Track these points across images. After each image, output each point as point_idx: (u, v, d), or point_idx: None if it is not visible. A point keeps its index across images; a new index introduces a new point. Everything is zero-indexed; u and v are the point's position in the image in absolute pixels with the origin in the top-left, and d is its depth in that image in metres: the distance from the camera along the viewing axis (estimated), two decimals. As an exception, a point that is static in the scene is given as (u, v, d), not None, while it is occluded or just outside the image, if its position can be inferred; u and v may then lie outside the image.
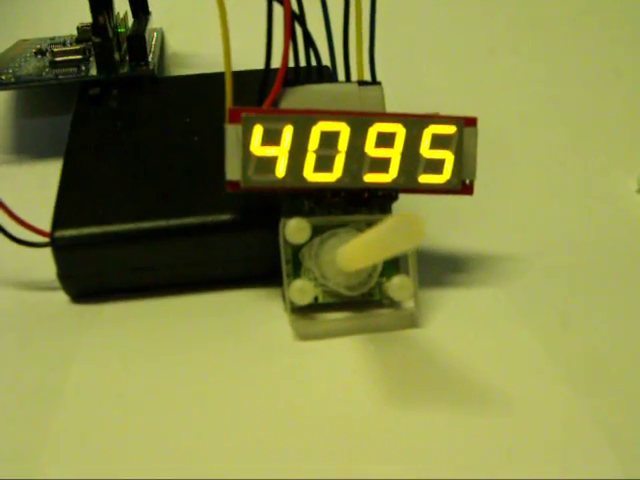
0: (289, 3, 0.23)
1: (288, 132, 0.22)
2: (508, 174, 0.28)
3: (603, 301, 0.24)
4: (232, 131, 0.22)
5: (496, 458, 0.19)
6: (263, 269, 0.24)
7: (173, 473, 0.18)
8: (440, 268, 0.25)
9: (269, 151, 0.22)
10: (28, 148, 0.31)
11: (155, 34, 0.35)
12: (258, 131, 0.22)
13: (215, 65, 0.34)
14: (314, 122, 0.22)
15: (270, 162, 0.22)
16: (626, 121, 0.33)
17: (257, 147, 0.22)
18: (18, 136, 0.32)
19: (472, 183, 0.24)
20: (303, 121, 0.22)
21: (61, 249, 0.24)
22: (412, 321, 0.23)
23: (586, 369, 0.21)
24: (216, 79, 0.29)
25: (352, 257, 0.21)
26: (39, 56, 0.33)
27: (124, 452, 0.19)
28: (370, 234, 0.18)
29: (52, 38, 0.36)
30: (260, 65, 0.24)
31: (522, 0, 0.40)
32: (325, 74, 0.25)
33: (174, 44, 0.36)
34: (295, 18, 0.23)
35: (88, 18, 0.36)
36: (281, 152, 0.22)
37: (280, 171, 0.22)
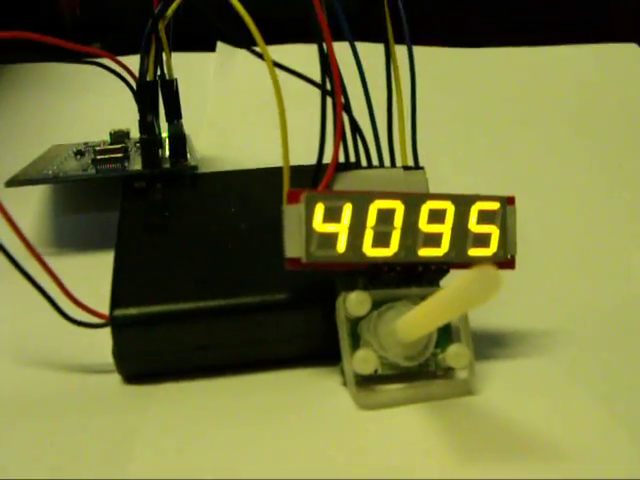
0: (340, 95, 0.25)
1: (348, 210, 0.23)
2: (539, 255, 0.30)
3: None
4: (292, 211, 0.23)
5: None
6: (318, 348, 0.25)
7: None
8: (487, 343, 0.26)
9: (330, 228, 0.23)
10: (70, 242, 0.32)
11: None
12: (320, 209, 0.23)
13: (241, 166, 0.37)
14: (371, 200, 0.23)
15: (331, 238, 0.23)
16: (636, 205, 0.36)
17: (319, 224, 0.23)
18: (59, 231, 0.33)
19: (514, 258, 0.25)
20: (361, 199, 0.23)
21: (120, 327, 0.24)
22: (467, 389, 0.24)
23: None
24: (253, 175, 0.32)
25: (418, 323, 0.22)
26: (78, 157, 0.34)
27: None
28: (443, 293, 0.19)
29: (86, 143, 0.38)
30: (299, 161, 0.26)
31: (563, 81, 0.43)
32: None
33: (201, 149, 0.38)
34: (343, 108, 0.25)
35: (118, 125, 0.38)
36: (341, 229, 0.23)
37: (341, 246, 0.23)
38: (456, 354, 0.23)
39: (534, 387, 0.24)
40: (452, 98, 0.40)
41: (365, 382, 0.23)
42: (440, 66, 0.46)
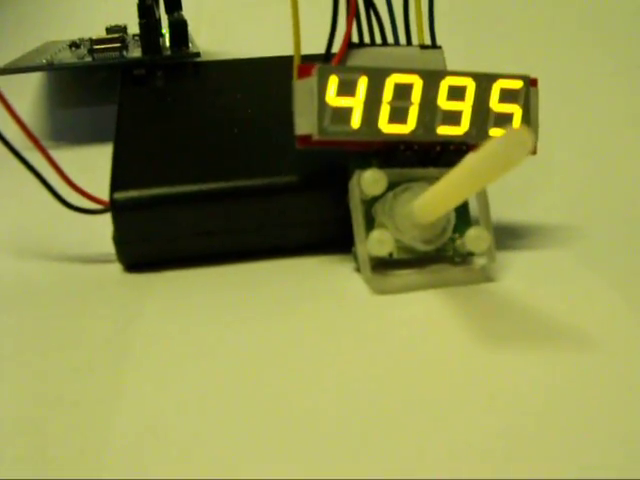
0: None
1: (363, 84, 0.22)
2: (555, 147, 0.29)
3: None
4: (303, 85, 0.22)
5: (582, 397, 0.18)
6: (329, 235, 0.24)
7: (259, 430, 0.17)
8: (503, 234, 0.25)
9: (344, 102, 0.22)
10: (67, 135, 0.31)
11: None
12: (334, 82, 0.22)
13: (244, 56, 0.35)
14: (388, 74, 0.22)
15: (345, 113, 0.22)
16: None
17: (333, 98, 0.22)
18: (57, 124, 0.31)
19: (535, 143, 0.24)
20: (377, 73, 0.22)
21: (121, 211, 0.23)
22: (486, 275, 0.23)
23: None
24: (260, 63, 0.30)
25: (438, 200, 0.20)
26: (73, 48, 0.33)
27: (199, 413, 0.18)
28: (472, 158, 0.18)
29: (80, 39, 0.36)
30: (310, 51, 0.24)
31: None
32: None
33: (201, 44, 0.37)
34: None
35: (114, 21, 0.36)
36: (356, 103, 0.22)
37: (355, 122, 0.22)
38: (476, 237, 0.22)
39: (553, 276, 0.23)
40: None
41: (380, 266, 0.22)
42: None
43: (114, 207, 0.23)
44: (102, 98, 0.31)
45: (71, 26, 0.38)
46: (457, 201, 0.21)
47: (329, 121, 0.22)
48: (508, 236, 0.25)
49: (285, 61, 0.24)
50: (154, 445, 0.16)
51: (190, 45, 0.31)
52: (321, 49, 0.23)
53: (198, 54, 0.30)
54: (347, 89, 0.22)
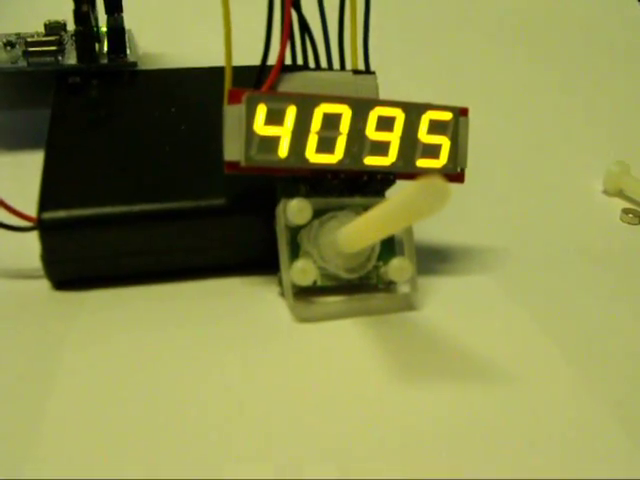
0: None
1: (291, 113, 0.22)
2: (482, 178, 0.29)
3: (583, 284, 0.25)
4: (233, 112, 0.22)
5: (500, 435, 0.19)
6: (254, 256, 0.24)
7: (171, 457, 0.18)
8: (429, 258, 0.26)
9: (272, 131, 0.22)
10: (2, 139, 0.30)
11: (127, 35, 0.35)
12: (262, 110, 0.22)
13: (184, 64, 0.35)
14: (317, 104, 0.22)
15: (273, 142, 0.22)
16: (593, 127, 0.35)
17: (260, 126, 0.22)
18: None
19: (463, 171, 0.24)
20: (307, 102, 0.22)
21: (48, 230, 0.23)
22: (409, 303, 0.23)
23: (579, 340, 0.22)
24: (196, 74, 0.30)
25: (360, 233, 0.21)
26: (8, 48, 0.32)
27: (121, 439, 0.18)
28: (388, 202, 0.18)
29: (17, 34, 0.35)
30: (244, 62, 0.24)
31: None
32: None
33: (144, 45, 0.36)
34: (292, 5, 0.24)
35: (54, 16, 0.35)
36: (284, 132, 0.22)
37: (283, 151, 0.22)
38: (399, 268, 0.23)
39: (474, 304, 0.24)
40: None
41: (303, 294, 0.23)
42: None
43: (42, 227, 0.23)
44: (36, 101, 0.31)
45: (9, 19, 0.37)
46: (378, 237, 0.21)
47: (256, 150, 0.22)
48: (433, 259, 0.26)
49: (223, 72, 0.23)
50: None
51: (128, 52, 0.31)
52: (258, 59, 0.23)
53: (135, 64, 0.30)
54: (275, 118, 0.22)
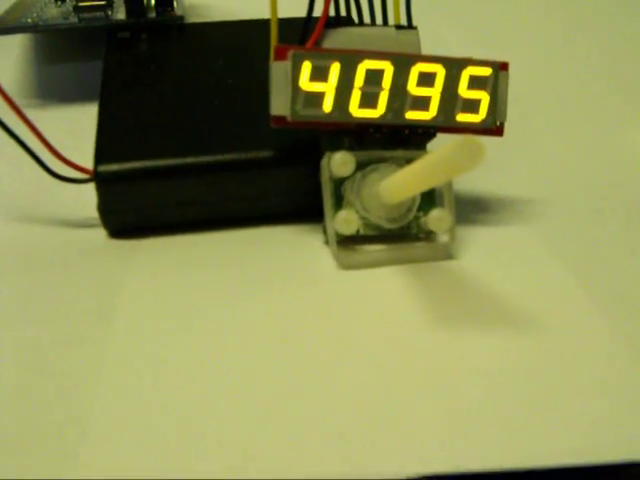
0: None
1: (335, 69, 0.23)
2: (527, 126, 0.30)
3: (622, 238, 0.26)
4: (279, 68, 0.23)
5: (532, 380, 0.20)
6: (302, 206, 0.25)
7: (228, 398, 0.19)
8: (470, 209, 0.26)
9: (317, 87, 0.23)
10: (53, 93, 0.32)
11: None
12: (307, 67, 0.22)
13: (231, 16, 0.35)
14: (360, 60, 0.23)
15: (318, 97, 0.23)
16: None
17: (305, 83, 0.23)
18: (42, 81, 0.32)
19: (503, 125, 0.25)
20: (350, 59, 0.23)
21: (105, 183, 0.24)
22: (448, 252, 0.24)
23: (615, 295, 0.23)
24: (243, 26, 0.31)
25: (400, 186, 0.22)
26: (59, 2, 0.33)
27: (178, 379, 0.19)
28: (427, 158, 0.19)
29: (67, -13, 0.36)
30: (290, 14, 0.25)
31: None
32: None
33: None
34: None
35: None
36: (328, 88, 0.23)
37: (327, 106, 0.23)
38: (438, 218, 0.24)
39: (511, 255, 0.24)
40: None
41: (347, 242, 0.24)
42: None
43: (98, 180, 0.24)
44: (87, 54, 0.32)
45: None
46: (418, 191, 0.22)
47: (302, 105, 0.23)
48: (472, 209, 0.27)
49: (269, 24, 0.24)
50: (135, 419, 0.18)
51: (175, 4, 0.31)
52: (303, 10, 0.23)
53: (182, 17, 0.30)
54: (320, 74, 0.23)
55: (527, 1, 0.40)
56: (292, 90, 0.23)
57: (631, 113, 0.33)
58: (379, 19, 0.25)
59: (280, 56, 0.23)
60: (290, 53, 0.22)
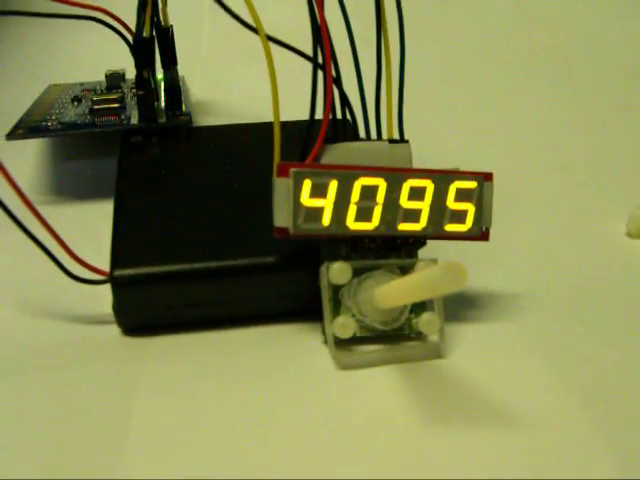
0: (330, 71, 0.26)
1: (333, 186, 0.25)
2: (508, 221, 0.32)
3: (605, 330, 0.27)
4: (282, 184, 0.25)
5: (517, 475, 0.21)
6: (303, 306, 0.27)
7: None
8: (458, 305, 0.28)
9: (317, 202, 0.25)
10: (69, 190, 0.34)
11: (181, 84, 0.38)
12: (307, 185, 0.25)
13: (236, 111, 0.38)
14: (356, 177, 0.25)
15: (317, 212, 0.25)
16: (616, 169, 0.37)
17: (306, 199, 0.25)
18: (58, 178, 0.34)
19: (488, 230, 0.27)
20: (347, 176, 0.25)
21: (120, 286, 0.26)
22: (438, 352, 0.26)
23: (595, 390, 0.24)
24: (247, 130, 0.33)
25: (391, 297, 0.24)
26: (75, 103, 0.35)
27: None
28: (414, 278, 0.21)
29: (82, 84, 0.39)
30: (290, 115, 0.27)
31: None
32: (347, 126, 0.28)
33: (196, 92, 0.39)
34: (334, 82, 0.27)
35: (114, 64, 0.39)
36: (327, 203, 0.25)
37: (326, 220, 0.25)
38: (428, 321, 0.26)
39: (496, 353, 0.26)
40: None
41: (344, 343, 0.26)
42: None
43: (114, 283, 0.26)
44: (102, 151, 0.34)
45: (73, 69, 0.40)
46: (408, 302, 0.24)
47: (303, 220, 0.25)
48: (460, 306, 0.28)
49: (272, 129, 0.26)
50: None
51: (183, 106, 0.34)
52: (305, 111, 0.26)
53: (190, 121, 0.33)
54: (319, 191, 0.25)
55: (505, 86, 0.42)
56: (294, 206, 0.25)
57: (611, 202, 0.35)
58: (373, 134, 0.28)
59: (282, 173, 0.25)
60: (292, 171, 0.25)
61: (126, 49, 0.34)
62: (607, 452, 0.22)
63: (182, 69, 0.39)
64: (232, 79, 0.42)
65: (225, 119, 0.36)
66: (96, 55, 0.40)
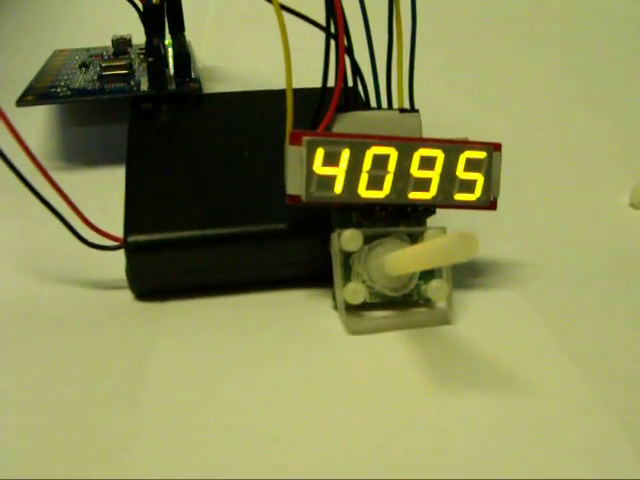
0: (342, 40, 0.26)
1: (345, 155, 0.25)
2: (514, 191, 0.32)
3: (607, 299, 0.28)
4: (294, 152, 0.25)
5: (520, 440, 0.22)
6: (313, 272, 0.28)
7: (245, 459, 0.21)
8: (465, 273, 0.29)
9: (329, 170, 0.25)
10: (79, 156, 0.34)
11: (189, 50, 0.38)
12: (320, 153, 0.25)
13: (243, 78, 0.38)
14: (368, 146, 0.25)
15: (329, 180, 0.25)
16: (620, 140, 0.38)
17: (319, 167, 0.25)
18: (68, 144, 0.34)
19: (496, 200, 0.28)
20: (359, 145, 0.25)
21: (134, 253, 0.27)
22: (445, 319, 0.27)
23: (597, 358, 0.25)
24: (256, 96, 0.33)
25: (403, 264, 0.24)
26: (83, 69, 0.35)
27: (205, 443, 0.22)
28: (427, 246, 0.22)
29: (87, 49, 0.38)
30: (300, 82, 0.27)
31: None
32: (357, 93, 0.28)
33: (203, 58, 0.39)
34: (346, 52, 0.27)
35: (119, 30, 0.39)
36: (339, 172, 0.25)
37: (338, 188, 0.25)
38: (436, 288, 0.26)
39: (501, 319, 0.27)
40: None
41: (354, 309, 0.26)
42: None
43: (128, 249, 0.26)
44: (111, 117, 0.34)
45: (78, 33, 0.40)
46: (418, 269, 0.24)
47: (315, 188, 0.25)
48: (468, 274, 0.29)
49: (283, 95, 0.26)
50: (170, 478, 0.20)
51: (192, 73, 0.34)
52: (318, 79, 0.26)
53: (199, 88, 0.33)
54: (332, 160, 0.25)
55: (512, 58, 0.43)
56: (306, 174, 0.25)
57: (616, 172, 0.36)
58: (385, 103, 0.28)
59: (295, 141, 0.25)
60: (304, 139, 0.25)
61: (131, 14, 0.34)
62: (610, 420, 0.23)
63: (189, 35, 0.40)
64: (239, 45, 0.42)
65: (233, 86, 0.36)
66: (101, 20, 0.40)
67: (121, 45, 0.37)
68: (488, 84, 0.40)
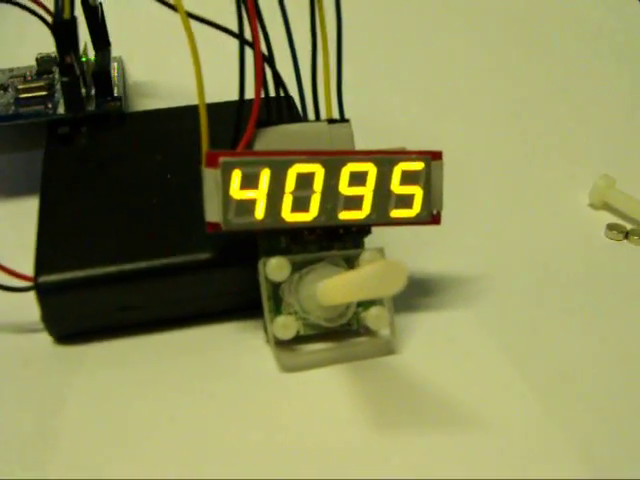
0: (259, 48, 0.24)
1: (265, 175, 0.23)
2: (465, 197, 0.30)
3: (564, 314, 0.26)
4: (210, 175, 0.23)
5: (474, 474, 0.20)
6: (242, 303, 0.25)
7: None
8: (411, 292, 0.26)
9: (248, 194, 0.23)
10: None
11: (116, 65, 0.35)
12: (237, 175, 0.23)
13: (176, 94, 0.36)
14: (290, 165, 0.23)
15: (249, 204, 0.23)
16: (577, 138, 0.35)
17: (236, 191, 0.23)
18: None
19: (439, 213, 0.25)
20: (279, 164, 0.23)
21: (46, 294, 0.24)
22: (389, 348, 0.24)
23: (554, 382, 0.23)
24: (181, 113, 0.31)
25: (332, 294, 0.22)
26: (1, 91, 0.33)
27: None
28: (353, 276, 0.20)
29: (11, 69, 0.36)
30: (225, 96, 0.25)
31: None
32: (292, 104, 0.26)
33: (134, 73, 0.37)
34: (264, 60, 0.24)
35: (45, 48, 0.36)
36: (260, 195, 0.23)
37: (259, 213, 0.23)
38: (376, 316, 0.24)
39: (452, 345, 0.25)
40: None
41: (287, 342, 0.24)
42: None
43: (39, 290, 0.24)
44: (30, 143, 0.32)
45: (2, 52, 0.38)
46: (347, 301, 0.22)
47: (234, 214, 0.23)
48: (413, 293, 0.26)
49: (210, 111, 0.23)
50: None
51: (115, 91, 0.31)
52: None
53: (120, 108, 0.30)
54: (250, 182, 0.23)
55: (467, 54, 0.40)
56: (223, 199, 0.23)
57: (575, 171, 0.34)
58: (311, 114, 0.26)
59: (211, 163, 0.23)
60: (221, 161, 0.22)
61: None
62: (567, 447, 0.21)
63: (120, 49, 0.37)
64: (173, 59, 0.39)
65: (165, 102, 0.33)
66: (27, 38, 0.38)
67: (46, 64, 0.35)
68: (432, 83, 0.37)
